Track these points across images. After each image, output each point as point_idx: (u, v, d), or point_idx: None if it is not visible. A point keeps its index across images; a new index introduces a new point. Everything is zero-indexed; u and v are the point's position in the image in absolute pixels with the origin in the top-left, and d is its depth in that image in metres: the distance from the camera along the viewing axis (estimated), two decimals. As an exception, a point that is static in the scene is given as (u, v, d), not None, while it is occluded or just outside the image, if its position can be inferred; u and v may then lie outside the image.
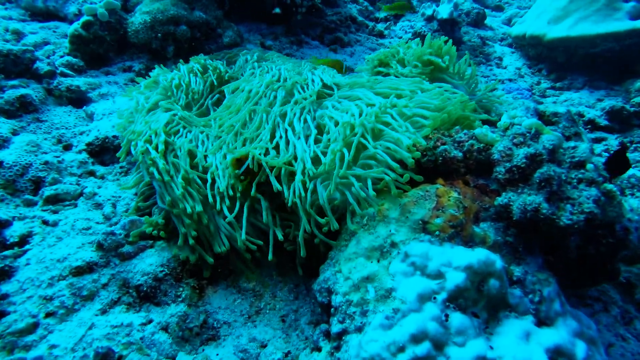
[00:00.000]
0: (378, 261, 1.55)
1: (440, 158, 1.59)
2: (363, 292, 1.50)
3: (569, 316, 1.47)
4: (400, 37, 5.30)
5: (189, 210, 1.86)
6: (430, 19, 5.35)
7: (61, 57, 3.30)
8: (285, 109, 2.18)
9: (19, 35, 3.40)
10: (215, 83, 2.64)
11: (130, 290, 1.90)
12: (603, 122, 3.89)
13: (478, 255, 1.45)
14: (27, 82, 2.81)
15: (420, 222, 1.53)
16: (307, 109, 2.17)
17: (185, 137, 2.16)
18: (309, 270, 2.17)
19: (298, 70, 2.63)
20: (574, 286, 1.87)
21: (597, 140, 3.78)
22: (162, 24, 3.48)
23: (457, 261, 1.43)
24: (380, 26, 5.45)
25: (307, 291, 2.08)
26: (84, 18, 3.34)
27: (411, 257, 1.48)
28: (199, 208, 1.87)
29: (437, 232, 1.50)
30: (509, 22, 6.57)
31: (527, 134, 1.65)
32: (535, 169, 1.53)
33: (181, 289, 1.93)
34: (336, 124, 1.96)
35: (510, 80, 4.91)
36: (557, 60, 4.85)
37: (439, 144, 1.62)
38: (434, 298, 1.39)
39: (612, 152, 2.57)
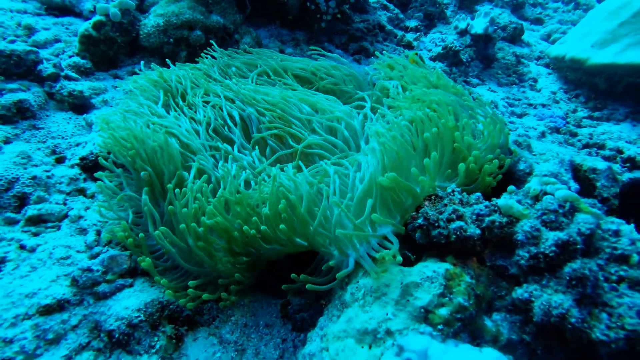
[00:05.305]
0: (370, 347, 1.33)
1: (454, 236, 1.36)
2: (349, 384, 1.30)
3: None
4: (430, 50, 5.00)
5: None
6: (463, 32, 5.02)
7: (70, 57, 3.17)
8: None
9: (30, 30, 3.29)
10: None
11: (102, 335, 1.74)
12: (645, 160, 3.54)
13: (487, 359, 1.22)
14: (28, 85, 2.67)
15: (422, 310, 1.30)
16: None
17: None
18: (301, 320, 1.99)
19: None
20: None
21: (636, 182, 3.44)
22: (176, 28, 3.31)
23: (461, 366, 1.20)
24: (409, 36, 5.15)
25: (294, 348, 1.89)
26: (96, 17, 3.20)
27: (407, 352, 1.26)
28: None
29: (440, 326, 1.27)
30: (548, 38, 6.16)
31: (560, 210, 1.40)
32: (565, 259, 1.28)
33: (156, 339, 1.76)
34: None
35: (543, 105, 4.56)
36: (598, 87, 4.49)
37: (453, 216, 1.39)
38: (430, 409, 1.17)
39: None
